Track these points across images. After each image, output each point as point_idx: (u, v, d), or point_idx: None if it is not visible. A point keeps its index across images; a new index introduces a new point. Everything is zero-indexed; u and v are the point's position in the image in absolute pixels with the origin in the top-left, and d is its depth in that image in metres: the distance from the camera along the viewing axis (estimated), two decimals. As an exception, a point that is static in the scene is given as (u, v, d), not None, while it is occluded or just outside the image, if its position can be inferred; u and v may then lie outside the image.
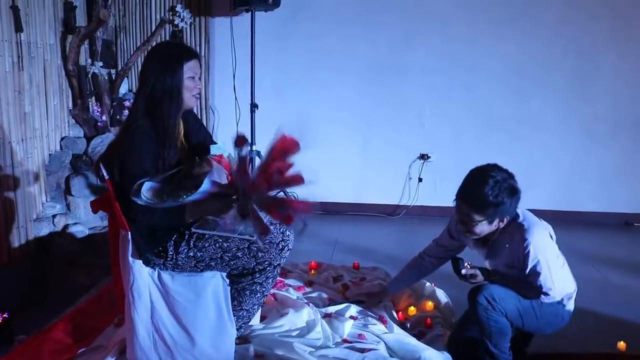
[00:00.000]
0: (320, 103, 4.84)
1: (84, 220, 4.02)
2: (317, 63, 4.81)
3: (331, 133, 4.83)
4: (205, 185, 1.97)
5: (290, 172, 1.98)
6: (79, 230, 3.93)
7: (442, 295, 2.97)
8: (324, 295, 2.89)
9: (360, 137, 4.89)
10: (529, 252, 2.20)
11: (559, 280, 2.26)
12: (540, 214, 2.39)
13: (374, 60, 4.79)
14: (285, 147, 1.95)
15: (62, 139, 4.17)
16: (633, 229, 4.73)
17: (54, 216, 3.93)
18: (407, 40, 4.74)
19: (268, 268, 2.20)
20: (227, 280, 2.20)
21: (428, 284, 3.05)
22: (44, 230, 3.86)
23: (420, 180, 4.84)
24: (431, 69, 4.74)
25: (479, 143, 4.72)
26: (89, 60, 4.33)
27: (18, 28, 3.62)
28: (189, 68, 2.23)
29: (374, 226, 4.69)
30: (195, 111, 4.66)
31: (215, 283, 2.18)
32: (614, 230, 4.66)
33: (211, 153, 2.31)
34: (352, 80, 4.81)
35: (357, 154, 4.90)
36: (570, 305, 2.36)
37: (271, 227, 2.20)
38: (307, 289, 2.97)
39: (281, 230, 2.27)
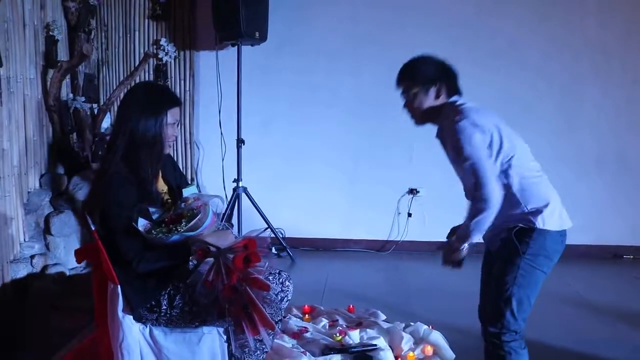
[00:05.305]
0: (307, 137, 4.80)
1: (64, 260, 3.86)
2: (303, 97, 4.78)
3: (318, 167, 4.81)
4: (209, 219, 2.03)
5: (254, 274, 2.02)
6: (59, 272, 3.76)
7: (439, 338, 2.91)
8: (321, 343, 2.79)
9: (347, 171, 4.84)
10: (457, 133, 2.09)
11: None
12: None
13: (360, 93, 4.77)
14: (248, 255, 1.98)
15: (41, 176, 4.02)
16: (622, 261, 4.73)
17: (32, 257, 3.75)
18: (392, 73, 4.68)
19: (269, 324, 2.10)
20: (225, 337, 2.09)
21: (425, 326, 3.00)
22: (22, 272, 3.67)
23: (409, 215, 4.79)
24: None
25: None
26: (71, 95, 4.22)
27: (-3, 63, 3.50)
28: (172, 115, 2.16)
29: (364, 262, 4.61)
30: (180, 146, 4.69)
31: (211, 340, 2.06)
32: (602, 262, 4.66)
33: (184, 196, 2.23)
34: (338, 114, 4.78)
35: (345, 189, 4.84)
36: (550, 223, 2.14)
37: (270, 277, 2.11)
38: (303, 336, 2.86)
39: (280, 280, 2.17)
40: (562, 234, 2.20)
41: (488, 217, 2.09)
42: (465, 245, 2.17)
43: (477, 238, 2.16)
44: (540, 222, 2.14)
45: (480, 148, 2.10)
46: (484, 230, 2.14)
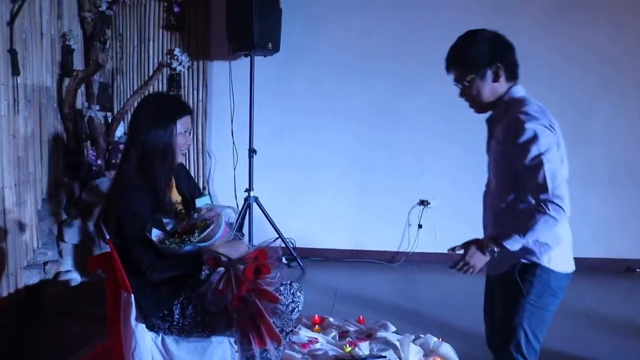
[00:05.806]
0: (318, 147, 4.82)
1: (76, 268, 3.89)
2: (315, 108, 4.80)
3: (329, 178, 4.82)
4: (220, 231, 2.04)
5: (265, 286, 2.05)
6: (72, 278, 3.80)
7: (449, 350, 2.91)
8: (330, 354, 2.79)
9: (358, 182, 4.85)
10: (523, 122, 1.89)
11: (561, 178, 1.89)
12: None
13: (371, 104, 4.79)
14: (259, 266, 2.00)
15: (55, 183, 4.07)
16: (635, 275, 4.69)
17: (45, 263, 3.80)
18: (403, 85, 4.74)
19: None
20: (236, 347, 2.10)
21: (435, 339, 2.99)
22: (35, 278, 3.73)
23: (420, 226, 4.77)
24: (429, 114, 4.72)
25: (480, 189, 4.66)
26: (86, 104, 4.27)
27: (15, 71, 3.56)
28: (182, 124, 2.20)
29: (374, 274, 4.60)
30: (192, 155, 4.72)
31: (222, 349, 2.07)
32: (615, 276, 4.62)
33: (197, 206, 2.26)
34: (349, 125, 4.80)
35: (355, 199, 4.85)
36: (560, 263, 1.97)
37: (281, 288, 2.13)
38: (312, 347, 2.86)
39: (292, 291, 2.18)
40: (568, 274, 2.04)
41: (551, 225, 1.83)
42: (496, 250, 1.89)
43: (518, 246, 1.87)
44: (546, 260, 1.95)
45: (553, 146, 1.91)
46: (538, 237, 1.87)
